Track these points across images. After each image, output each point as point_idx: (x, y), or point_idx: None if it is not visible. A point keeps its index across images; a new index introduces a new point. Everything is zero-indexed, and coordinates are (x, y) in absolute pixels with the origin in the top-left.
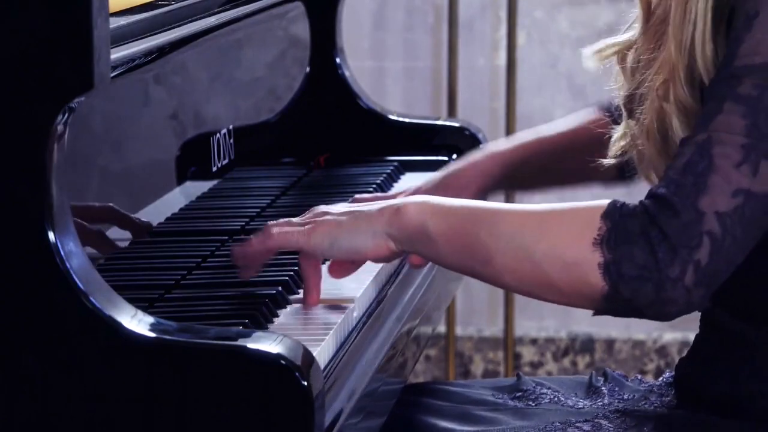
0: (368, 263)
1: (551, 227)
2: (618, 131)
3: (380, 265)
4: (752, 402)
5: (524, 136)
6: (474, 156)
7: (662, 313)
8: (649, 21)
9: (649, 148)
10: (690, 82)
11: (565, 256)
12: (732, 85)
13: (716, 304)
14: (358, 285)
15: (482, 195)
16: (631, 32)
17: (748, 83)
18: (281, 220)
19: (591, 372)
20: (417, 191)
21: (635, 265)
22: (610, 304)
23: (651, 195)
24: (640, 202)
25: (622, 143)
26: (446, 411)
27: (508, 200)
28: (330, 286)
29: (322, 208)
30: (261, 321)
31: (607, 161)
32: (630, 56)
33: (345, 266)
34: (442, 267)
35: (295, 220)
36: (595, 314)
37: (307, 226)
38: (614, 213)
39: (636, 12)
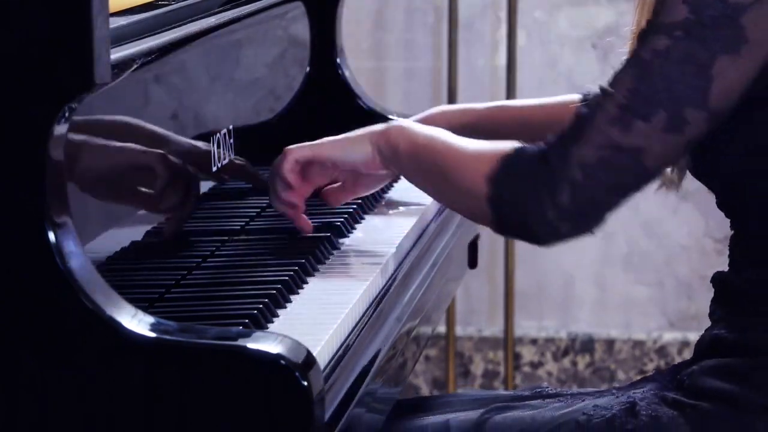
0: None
1: (470, 160)
2: None
3: (378, 268)
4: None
5: (487, 104)
6: (425, 114)
7: (535, 239)
8: None
9: None
10: None
11: (464, 185)
12: (639, 44)
13: (719, 306)
14: (359, 285)
15: None
16: None
17: (649, 45)
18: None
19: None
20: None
21: (517, 193)
22: (498, 227)
23: (555, 133)
24: (537, 144)
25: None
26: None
27: None
28: (335, 286)
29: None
30: (261, 321)
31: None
32: None
33: (341, 193)
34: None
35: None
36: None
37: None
38: (512, 157)
39: None
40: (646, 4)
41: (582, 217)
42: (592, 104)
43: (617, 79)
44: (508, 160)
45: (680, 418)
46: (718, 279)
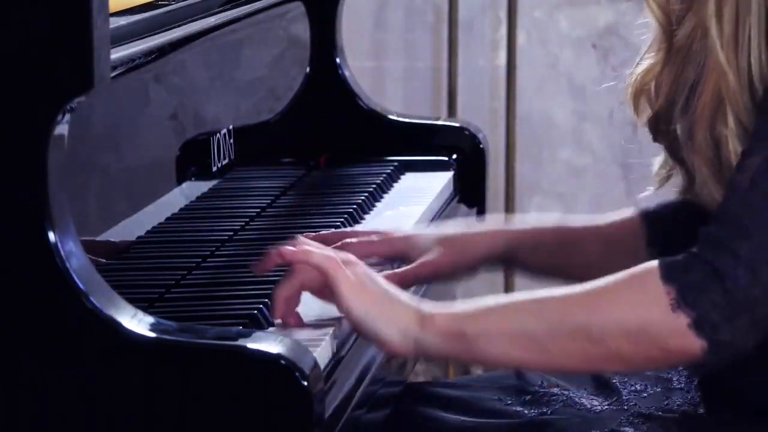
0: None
1: (605, 302)
2: (657, 161)
3: (379, 267)
4: None
5: (542, 218)
6: (480, 225)
7: (760, 332)
8: (671, 45)
9: (703, 173)
10: (749, 101)
11: (630, 324)
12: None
13: None
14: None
15: (480, 265)
16: (648, 58)
17: None
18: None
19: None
20: (407, 237)
21: (720, 307)
22: (715, 357)
23: (718, 217)
24: (687, 251)
25: (663, 171)
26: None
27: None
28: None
29: (351, 257)
30: (261, 321)
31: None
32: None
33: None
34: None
35: (325, 249)
36: (698, 375)
37: (351, 276)
38: (673, 273)
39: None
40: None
41: None
42: (757, 173)
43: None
44: (677, 275)
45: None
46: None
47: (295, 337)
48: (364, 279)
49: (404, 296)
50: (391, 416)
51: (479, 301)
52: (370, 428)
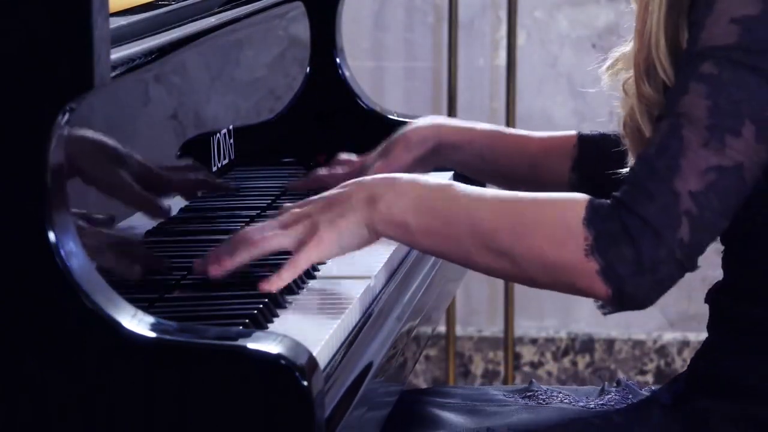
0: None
1: (528, 229)
2: None
3: (377, 269)
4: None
5: (484, 126)
6: (418, 122)
7: (663, 290)
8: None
9: (627, 143)
10: (648, 74)
11: (547, 259)
12: (695, 66)
13: (721, 291)
14: (359, 285)
15: (415, 167)
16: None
17: (710, 63)
18: (262, 227)
19: (604, 384)
20: (363, 161)
21: (628, 262)
22: (618, 304)
23: (626, 181)
24: (613, 196)
25: None
26: (452, 406)
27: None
28: (335, 286)
29: (297, 210)
30: (261, 321)
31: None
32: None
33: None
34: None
35: (280, 231)
36: (605, 314)
37: (309, 236)
38: (595, 219)
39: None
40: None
41: (700, 248)
42: (664, 137)
43: (685, 103)
44: (598, 223)
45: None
46: (712, 293)
47: (295, 337)
48: (321, 227)
49: (358, 193)
50: (391, 416)
51: (431, 185)
52: (370, 428)
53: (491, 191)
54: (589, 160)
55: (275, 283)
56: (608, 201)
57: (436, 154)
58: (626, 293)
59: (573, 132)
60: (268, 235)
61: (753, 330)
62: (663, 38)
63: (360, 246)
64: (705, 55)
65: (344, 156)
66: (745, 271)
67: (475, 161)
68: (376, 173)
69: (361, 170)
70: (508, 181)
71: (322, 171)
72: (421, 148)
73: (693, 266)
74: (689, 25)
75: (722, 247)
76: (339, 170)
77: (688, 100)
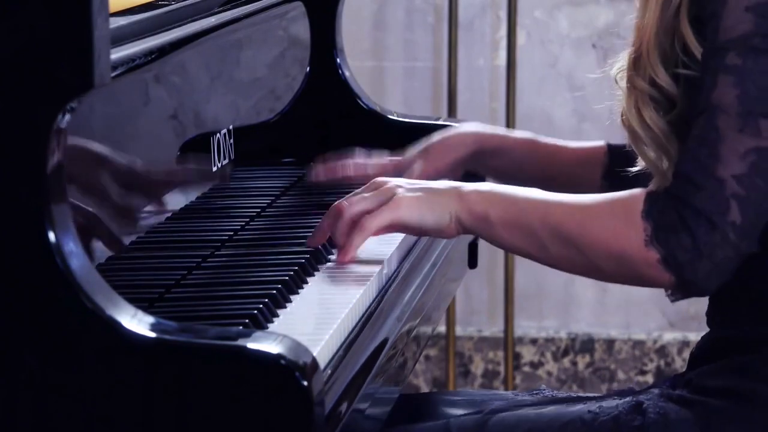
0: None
1: (594, 222)
2: None
3: (378, 268)
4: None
5: (520, 133)
6: (461, 129)
7: (722, 274)
8: None
9: (629, 139)
10: (638, 66)
11: (612, 249)
12: (720, 59)
13: (717, 309)
14: (359, 285)
15: (453, 169)
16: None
17: (733, 53)
18: (353, 197)
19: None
20: (401, 161)
21: (686, 249)
22: (681, 290)
23: (675, 175)
24: (666, 188)
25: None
26: (454, 402)
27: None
28: (335, 286)
29: (388, 182)
30: (261, 321)
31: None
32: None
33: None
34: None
35: (364, 194)
36: (673, 301)
37: (389, 200)
38: (652, 211)
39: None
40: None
41: (754, 227)
42: (701, 129)
43: (717, 96)
44: (655, 215)
45: (688, 413)
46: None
47: (295, 337)
48: (402, 194)
49: (442, 184)
50: (391, 416)
51: (509, 188)
52: (370, 428)
53: (563, 194)
54: (618, 168)
55: (350, 252)
56: (662, 193)
57: (475, 158)
58: (687, 279)
59: (602, 143)
60: (354, 202)
61: (753, 318)
62: (655, 35)
63: (438, 230)
64: (727, 48)
65: (362, 152)
66: (746, 262)
67: (512, 168)
68: (416, 173)
69: (398, 169)
70: (542, 188)
71: (350, 165)
72: (461, 152)
73: (750, 246)
74: (706, 19)
75: None
76: (369, 169)
77: (718, 93)
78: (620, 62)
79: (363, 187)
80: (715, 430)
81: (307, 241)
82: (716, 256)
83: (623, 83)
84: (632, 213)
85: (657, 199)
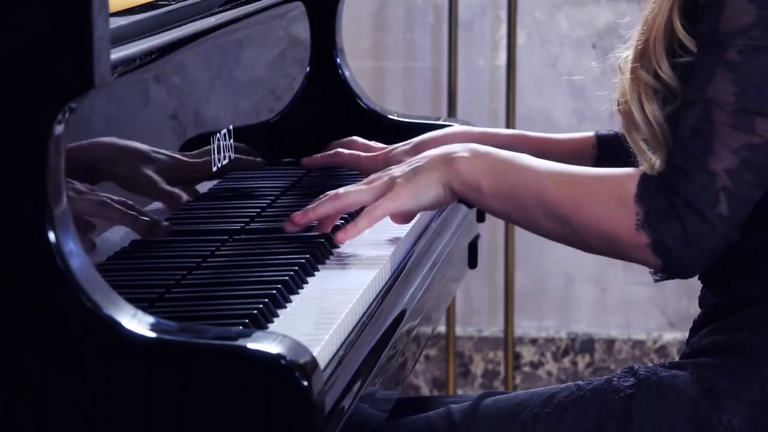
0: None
1: (587, 200)
2: None
3: (378, 268)
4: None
5: (508, 130)
6: (451, 129)
7: (708, 261)
8: None
9: (620, 121)
10: (644, 58)
11: (603, 230)
12: (720, 52)
13: (711, 282)
14: (359, 285)
15: None
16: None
17: (733, 49)
18: (350, 189)
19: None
20: (387, 152)
21: (676, 237)
22: (668, 273)
23: (668, 163)
24: (660, 175)
25: None
26: (452, 399)
27: None
28: (335, 286)
29: (382, 177)
30: (261, 321)
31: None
32: None
33: (406, 216)
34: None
35: (361, 186)
36: (657, 281)
37: (387, 190)
38: (645, 196)
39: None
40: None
41: (739, 219)
42: (697, 121)
43: (714, 89)
44: (648, 200)
45: (680, 372)
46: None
47: (295, 337)
48: (400, 184)
49: (434, 156)
50: (391, 416)
51: (505, 154)
52: (370, 428)
53: (557, 164)
54: (607, 158)
55: (351, 232)
56: (657, 177)
57: None
58: (674, 264)
59: (591, 133)
60: (351, 191)
61: (745, 300)
62: (663, 28)
63: (437, 204)
64: (728, 42)
65: (360, 140)
66: (740, 246)
67: None
68: None
69: (387, 161)
70: None
71: (343, 150)
72: None
73: (736, 235)
74: (707, 7)
75: None
76: (361, 155)
77: (715, 87)
78: (626, 52)
79: (360, 182)
80: (707, 383)
81: (289, 221)
82: (703, 244)
83: (627, 73)
84: (625, 195)
85: (650, 184)
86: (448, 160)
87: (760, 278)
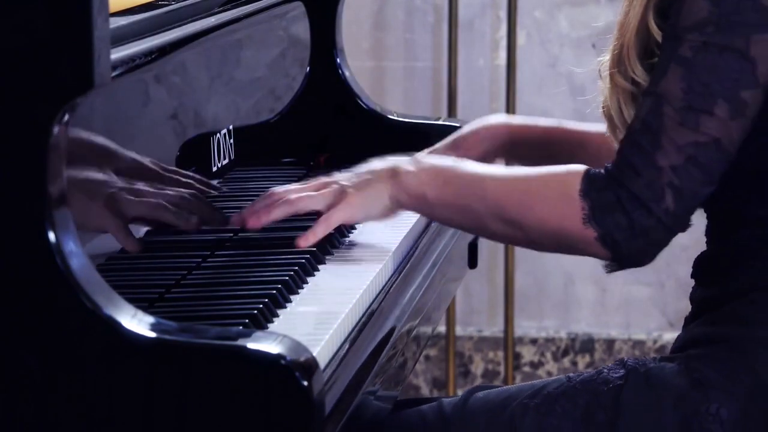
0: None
1: (533, 201)
2: None
3: (378, 268)
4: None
5: (547, 120)
6: (488, 120)
7: (657, 250)
8: None
9: (607, 127)
10: (620, 64)
11: (551, 228)
12: (675, 47)
13: (705, 260)
14: (359, 284)
15: (484, 159)
16: None
17: (686, 44)
18: (301, 194)
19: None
20: (432, 152)
21: (622, 229)
22: (618, 264)
23: (618, 153)
24: (606, 169)
25: None
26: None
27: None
28: (335, 286)
29: (327, 179)
30: (261, 321)
31: None
32: None
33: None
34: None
35: (311, 192)
36: (609, 272)
37: (338, 200)
38: (590, 190)
39: None
40: None
41: (687, 213)
42: (647, 114)
43: (665, 84)
44: (593, 194)
45: (668, 363)
46: (696, 261)
47: (295, 337)
48: (351, 193)
49: (380, 167)
50: (391, 416)
51: (447, 163)
52: (370, 428)
53: (502, 167)
54: None
55: (310, 239)
56: (603, 171)
57: (504, 149)
58: (624, 255)
59: None
60: (302, 196)
61: (734, 292)
62: (636, 33)
63: (384, 216)
64: (682, 38)
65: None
66: (727, 242)
67: (541, 157)
68: None
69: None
70: None
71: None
72: (492, 143)
73: (682, 228)
74: (671, 2)
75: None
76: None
77: (667, 81)
78: (606, 56)
79: (307, 184)
80: (696, 373)
81: (236, 219)
82: (650, 236)
83: (607, 79)
84: (571, 191)
85: (596, 179)
86: (393, 174)
87: (747, 270)
